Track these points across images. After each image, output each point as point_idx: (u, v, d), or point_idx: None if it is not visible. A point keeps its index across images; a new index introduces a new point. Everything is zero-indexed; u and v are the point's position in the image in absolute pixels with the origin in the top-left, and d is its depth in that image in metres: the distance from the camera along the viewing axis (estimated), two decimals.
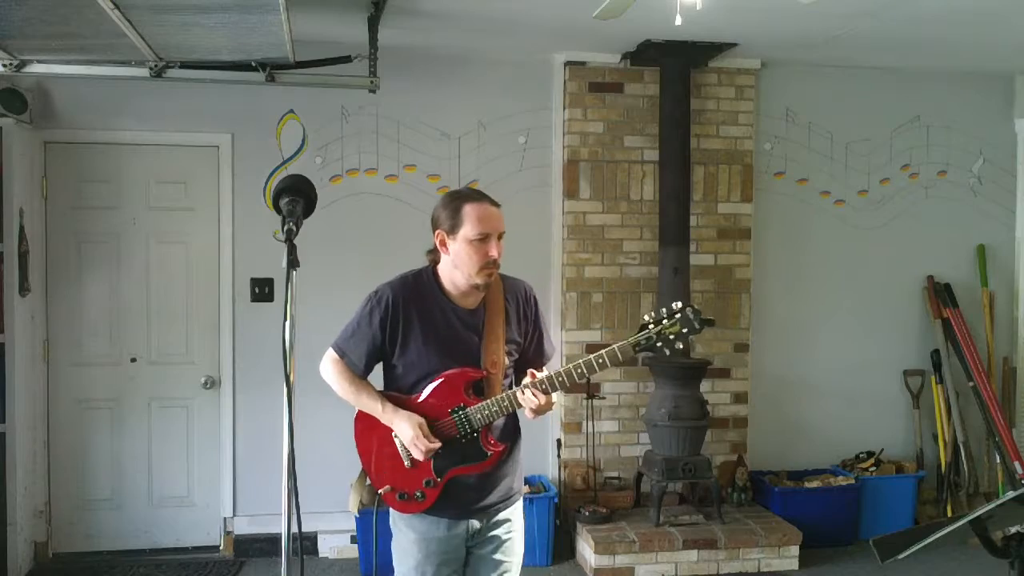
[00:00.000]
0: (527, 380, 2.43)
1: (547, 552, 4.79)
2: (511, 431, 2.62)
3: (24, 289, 4.56)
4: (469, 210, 2.43)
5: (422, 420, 2.46)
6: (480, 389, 2.50)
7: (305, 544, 4.91)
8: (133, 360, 4.86)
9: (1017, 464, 5.25)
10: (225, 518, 4.94)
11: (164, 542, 4.90)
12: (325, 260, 4.86)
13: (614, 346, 2.38)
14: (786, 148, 5.38)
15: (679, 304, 2.37)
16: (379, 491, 2.56)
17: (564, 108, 5.10)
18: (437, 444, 2.45)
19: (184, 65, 4.17)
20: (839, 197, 5.46)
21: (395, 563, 2.63)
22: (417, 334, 2.49)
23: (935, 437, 5.49)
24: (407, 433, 2.46)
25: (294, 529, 2.05)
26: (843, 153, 5.45)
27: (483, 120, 5.08)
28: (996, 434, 5.33)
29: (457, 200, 2.48)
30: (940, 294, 5.49)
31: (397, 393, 2.55)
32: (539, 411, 2.43)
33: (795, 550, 4.69)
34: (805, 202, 5.41)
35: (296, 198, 2.22)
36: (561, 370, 2.40)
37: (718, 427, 5.18)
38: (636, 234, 5.13)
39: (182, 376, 4.91)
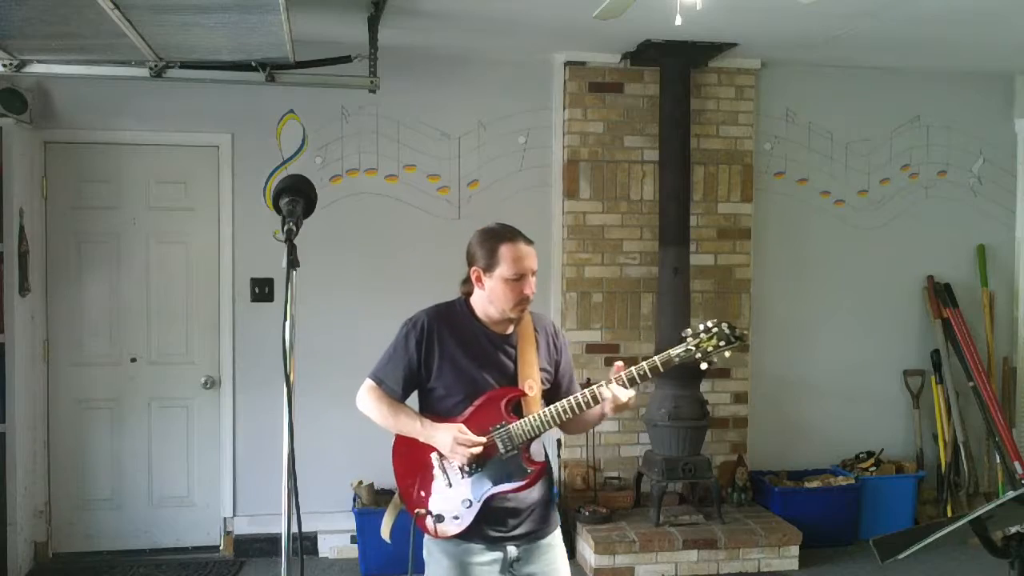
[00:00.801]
0: (612, 375, 2.48)
1: None
2: (542, 455, 2.66)
3: (24, 289, 4.56)
4: (505, 251, 2.50)
5: (461, 425, 2.48)
6: (519, 409, 2.54)
7: (305, 544, 4.91)
8: (133, 360, 4.87)
9: (1017, 464, 5.25)
10: (225, 518, 4.94)
11: (164, 542, 4.90)
12: (325, 260, 4.86)
13: (656, 358, 2.46)
14: (786, 148, 5.38)
15: (714, 320, 2.49)
16: (415, 512, 2.54)
17: (564, 108, 5.10)
18: (481, 440, 2.47)
19: (184, 65, 4.17)
20: (839, 197, 5.46)
21: None
22: (454, 357, 2.54)
23: (935, 437, 5.49)
24: (446, 440, 2.48)
25: (294, 529, 2.05)
26: (843, 153, 5.45)
27: (483, 120, 5.08)
28: (996, 434, 5.33)
29: (493, 240, 2.54)
30: (940, 294, 5.50)
31: (436, 417, 2.56)
32: (623, 406, 2.48)
33: (795, 550, 4.69)
34: (805, 202, 5.42)
35: (296, 198, 2.22)
36: (633, 368, 2.47)
37: (718, 427, 5.18)
38: (636, 234, 5.13)
39: (182, 376, 4.91)
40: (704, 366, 2.48)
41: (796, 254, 5.42)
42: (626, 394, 2.44)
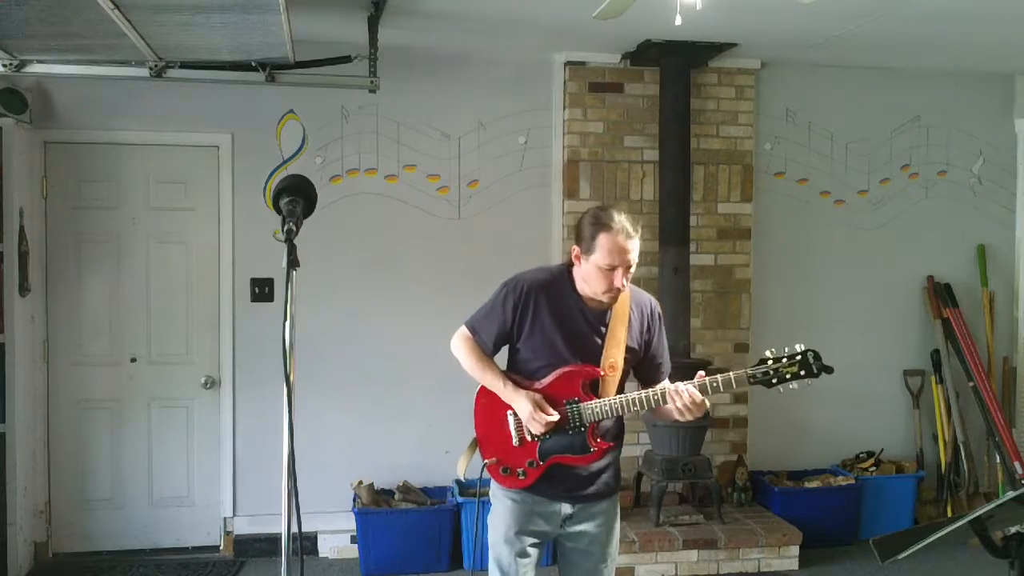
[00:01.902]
0: (695, 381, 2.53)
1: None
2: (615, 435, 2.75)
3: (24, 289, 4.56)
4: (604, 240, 2.56)
5: (539, 396, 2.61)
6: (595, 388, 2.64)
7: (305, 544, 4.91)
8: (133, 360, 4.86)
9: (1017, 464, 5.25)
10: (225, 518, 4.94)
11: (164, 542, 4.90)
12: (325, 260, 4.86)
13: (730, 374, 2.51)
14: (786, 148, 5.38)
15: (802, 347, 2.49)
16: (485, 461, 2.71)
17: (564, 108, 5.10)
18: (555, 415, 2.58)
19: (184, 65, 4.17)
20: (839, 197, 5.46)
21: (489, 532, 2.75)
22: (545, 323, 2.63)
23: (935, 437, 5.49)
24: (525, 408, 2.61)
25: (294, 529, 2.05)
26: (843, 153, 5.45)
27: (483, 120, 5.08)
28: (996, 434, 5.33)
29: (598, 226, 2.59)
30: (940, 294, 5.50)
31: (518, 376, 2.70)
32: (690, 410, 2.53)
33: (795, 550, 4.69)
34: (805, 202, 5.41)
35: (296, 198, 2.22)
36: (707, 379, 2.52)
37: (718, 427, 5.18)
38: None
39: (182, 376, 4.91)
40: (780, 391, 2.50)
41: (796, 254, 5.41)
42: (691, 399, 2.51)
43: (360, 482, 4.79)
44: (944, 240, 5.56)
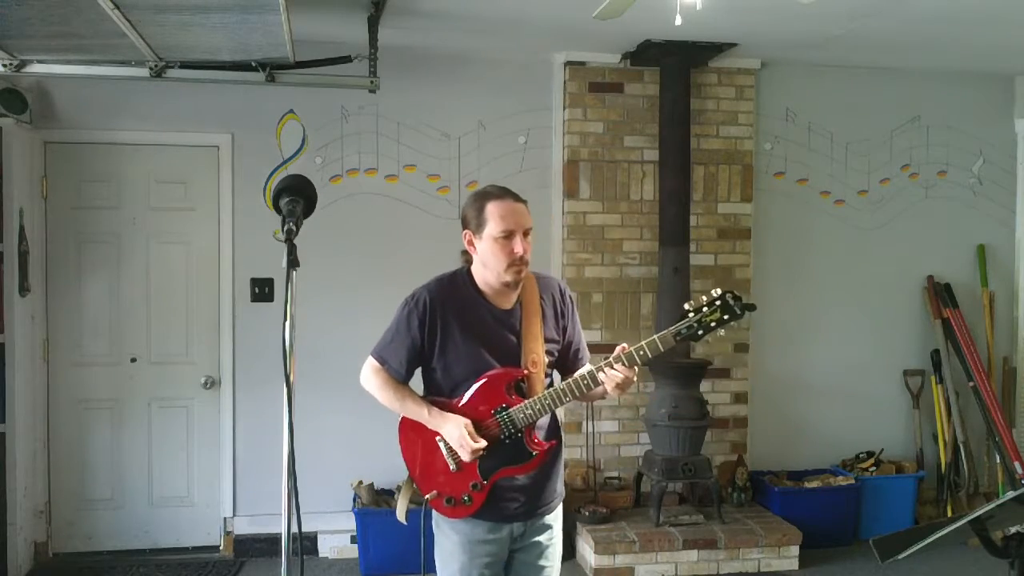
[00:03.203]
0: (613, 355, 2.38)
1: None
2: (553, 432, 2.61)
3: (24, 289, 4.56)
4: (492, 208, 2.44)
5: (468, 421, 2.44)
6: (521, 389, 2.49)
7: (305, 544, 4.91)
8: (133, 360, 4.86)
9: (1017, 464, 5.25)
10: (225, 518, 4.94)
11: (164, 542, 4.90)
12: (325, 260, 4.86)
13: (655, 337, 2.36)
14: (786, 148, 5.38)
15: (718, 291, 2.35)
16: (426, 496, 2.53)
17: (564, 108, 5.10)
18: (483, 444, 2.43)
19: (184, 65, 4.17)
20: (839, 197, 5.46)
21: (438, 567, 2.59)
22: (455, 335, 2.48)
23: (935, 437, 5.49)
24: (453, 435, 2.45)
25: (294, 529, 2.05)
26: (843, 153, 5.45)
27: (483, 120, 5.09)
28: (996, 434, 5.33)
29: (481, 199, 2.48)
30: (940, 294, 5.50)
31: (439, 397, 2.55)
32: (625, 385, 2.38)
33: (795, 550, 4.69)
34: (805, 202, 5.42)
35: (296, 198, 2.22)
36: (633, 348, 2.37)
37: (718, 427, 5.18)
38: (636, 234, 5.13)
39: (182, 376, 4.91)
40: (708, 340, 2.35)
41: (796, 254, 5.42)
42: (623, 374, 2.35)
43: (360, 482, 4.79)
44: (944, 240, 5.56)
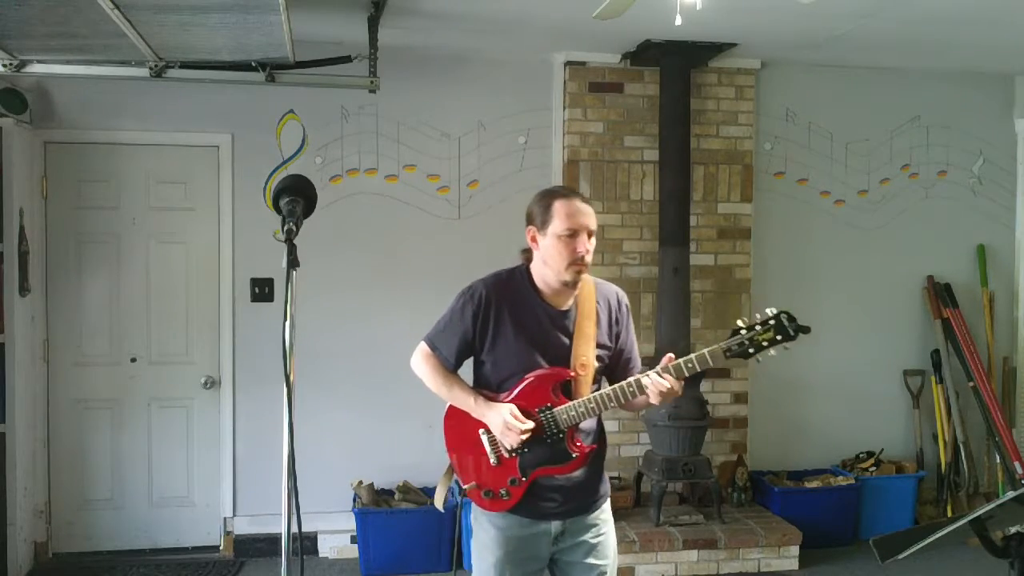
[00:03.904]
0: (661, 365, 2.41)
1: None
2: (596, 436, 2.61)
3: (24, 289, 4.56)
4: (559, 206, 2.45)
5: (513, 407, 2.46)
6: (568, 390, 2.50)
7: (305, 544, 4.91)
8: (133, 360, 4.86)
9: (1017, 464, 5.25)
10: (225, 518, 4.94)
11: (164, 542, 4.90)
12: (325, 260, 4.86)
13: (705, 351, 2.37)
14: (786, 148, 5.38)
15: (774, 310, 2.36)
16: (464, 487, 2.57)
17: (564, 108, 5.10)
18: (530, 424, 2.44)
19: (184, 65, 4.16)
20: (839, 197, 5.46)
21: (474, 560, 2.62)
22: (508, 331, 2.50)
23: (935, 437, 5.49)
24: (497, 422, 2.47)
25: (294, 529, 2.05)
26: (843, 153, 5.45)
27: (483, 120, 5.08)
28: (996, 434, 5.33)
29: (548, 197, 2.50)
30: (940, 294, 5.50)
31: (486, 391, 2.57)
32: (669, 395, 2.40)
33: (795, 550, 4.69)
34: (805, 202, 5.41)
35: (296, 198, 2.22)
36: (681, 360, 2.40)
37: (718, 427, 5.18)
38: (636, 234, 5.13)
39: (182, 376, 4.91)
40: (759, 360, 2.35)
41: (796, 254, 5.41)
42: (670, 383, 2.38)
43: (360, 482, 4.79)
44: (944, 240, 5.56)
